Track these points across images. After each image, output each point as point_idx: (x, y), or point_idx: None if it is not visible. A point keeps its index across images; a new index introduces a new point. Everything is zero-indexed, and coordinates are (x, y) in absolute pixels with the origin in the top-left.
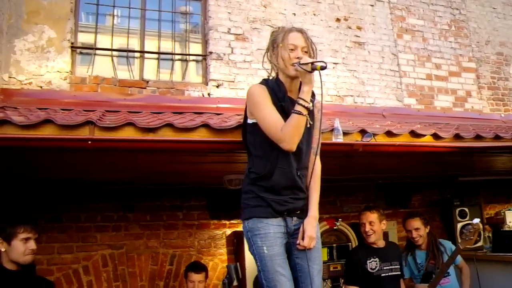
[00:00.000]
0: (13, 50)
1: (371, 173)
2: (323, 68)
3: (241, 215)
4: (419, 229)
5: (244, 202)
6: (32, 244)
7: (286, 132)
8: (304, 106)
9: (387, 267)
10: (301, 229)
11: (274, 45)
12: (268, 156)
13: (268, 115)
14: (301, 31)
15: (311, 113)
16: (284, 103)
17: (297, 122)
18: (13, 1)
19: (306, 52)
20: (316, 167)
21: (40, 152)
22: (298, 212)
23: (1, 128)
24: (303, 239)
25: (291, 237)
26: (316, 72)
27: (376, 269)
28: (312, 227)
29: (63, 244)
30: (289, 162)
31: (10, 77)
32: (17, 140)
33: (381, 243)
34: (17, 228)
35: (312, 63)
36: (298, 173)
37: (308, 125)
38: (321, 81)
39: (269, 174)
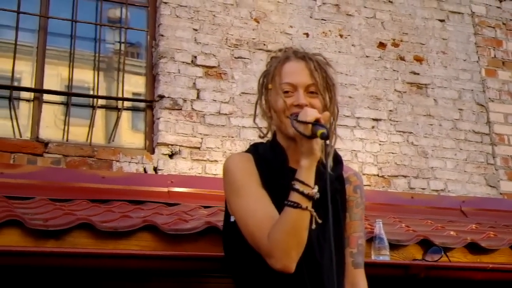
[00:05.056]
0: None
1: None
2: (324, 137)
3: None
4: None
5: None
6: None
7: (276, 241)
8: (303, 194)
9: None
10: None
11: (265, 84)
12: (266, 277)
13: (249, 208)
14: (304, 57)
15: (338, 195)
16: (284, 180)
17: (294, 222)
18: None
19: (313, 92)
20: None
21: None
22: None
23: None
24: None
25: None
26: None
27: None
28: None
29: None
30: (302, 283)
31: None
32: None
33: None
34: None
35: (313, 123)
36: None
37: (314, 226)
38: (325, 163)
39: None
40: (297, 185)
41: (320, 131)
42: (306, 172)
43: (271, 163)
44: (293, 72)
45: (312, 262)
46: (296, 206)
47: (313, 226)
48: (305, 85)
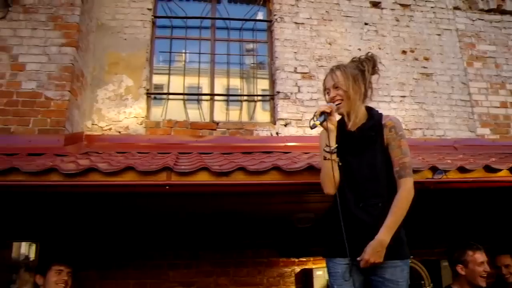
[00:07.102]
0: (95, 99)
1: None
2: (313, 127)
3: None
4: (509, 265)
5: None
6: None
7: (321, 178)
8: (326, 151)
9: None
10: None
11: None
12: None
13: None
14: (331, 70)
15: (372, 137)
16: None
17: (324, 167)
18: (97, 55)
19: (337, 88)
20: (400, 191)
21: (120, 197)
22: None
23: (88, 175)
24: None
25: (371, 274)
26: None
27: None
28: (372, 250)
29: (137, 281)
30: (344, 197)
31: (93, 124)
32: (104, 187)
33: None
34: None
35: (313, 118)
36: (361, 205)
37: (340, 163)
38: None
39: (331, 210)
40: (324, 147)
41: (312, 123)
42: (327, 139)
43: (341, 125)
44: (326, 81)
45: (352, 177)
46: (324, 158)
47: (340, 163)
48: (331, 86)
